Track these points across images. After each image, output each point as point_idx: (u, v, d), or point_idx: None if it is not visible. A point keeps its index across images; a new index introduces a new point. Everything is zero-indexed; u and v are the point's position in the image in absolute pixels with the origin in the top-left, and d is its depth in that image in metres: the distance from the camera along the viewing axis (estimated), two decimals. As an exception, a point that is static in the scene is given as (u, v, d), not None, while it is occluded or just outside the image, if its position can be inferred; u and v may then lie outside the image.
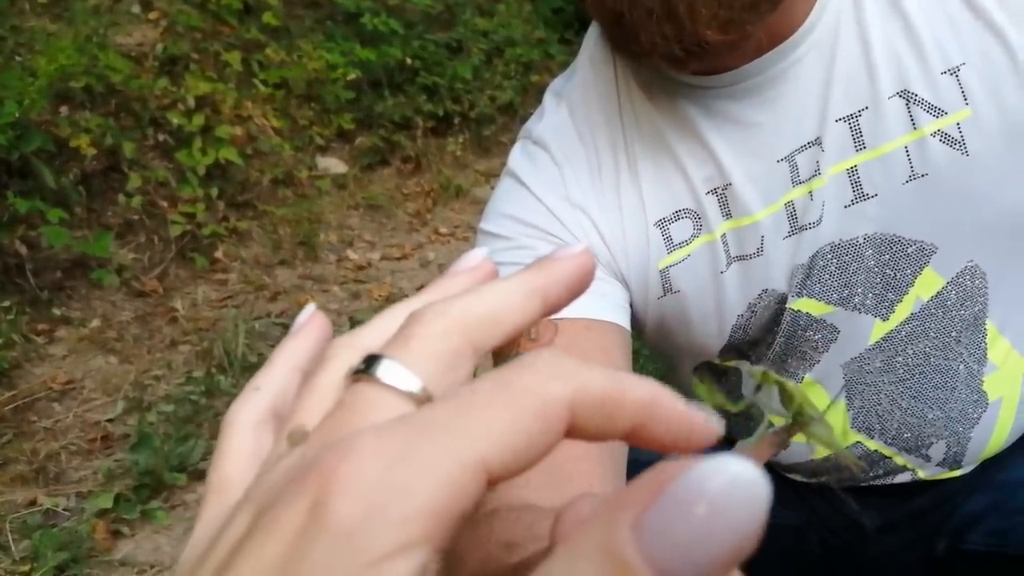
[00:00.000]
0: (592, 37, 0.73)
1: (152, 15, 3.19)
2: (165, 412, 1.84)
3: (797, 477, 0.82)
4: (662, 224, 0.69)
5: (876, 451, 0.75)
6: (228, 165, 2.85)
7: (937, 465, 0.75)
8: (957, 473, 0.75)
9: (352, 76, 3.41)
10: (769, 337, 0.72)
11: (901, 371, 0.71)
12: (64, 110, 2.54)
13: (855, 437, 0.75)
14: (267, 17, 3.39)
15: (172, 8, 3.17)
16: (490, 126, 3.84)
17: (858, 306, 0.69)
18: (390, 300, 2.51)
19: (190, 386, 1.97)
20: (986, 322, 0.71)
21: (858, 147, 0.65)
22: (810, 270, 0.67)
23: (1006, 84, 0.62)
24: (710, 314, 0.71)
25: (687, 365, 0.81)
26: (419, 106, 3.59)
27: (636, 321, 0.73)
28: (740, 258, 0.68)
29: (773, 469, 0.83)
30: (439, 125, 3.67)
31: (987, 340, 0.71)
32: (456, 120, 3.70)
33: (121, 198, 2.54)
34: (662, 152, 0.68)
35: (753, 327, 0.71)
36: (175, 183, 2.71)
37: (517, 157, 0.73)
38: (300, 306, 2.46)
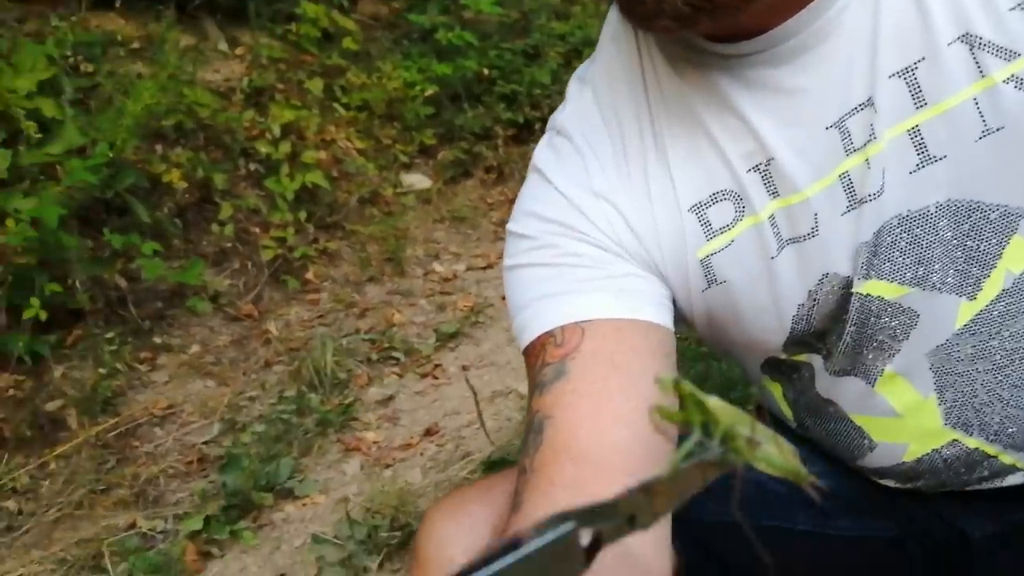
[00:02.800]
0: (614, 16, 0.68)
1: (238, 50, 3.33)
2: (257, 432, 1.88)
3: (890, 483, 0.73)
4: (698, 209, 0.62)
5: (977, 449, 0.66)
6: (315, 188, 2.92)
7: (1052, 461, 0.65)
8: (1076, 470, 0.65)
9: (430, 91, 3.44)
10: (838, 327, 0.64)
11: (997, 357, 0.62)
12: (159, 148, 2.66)
13: (951, 435, 0.66)
14: (347, 42, 3.48)
15: (256, 42, 3.29)
16: (572, 129, 3.80)
17: (937, 285, 0.60)
18: (474, 310, 2.49)
19: (282, 405, 2.01)
20: None
21: (918, 104, 0.57)
22: (876, 248, 0.60)
23: None
24: (765, 306, 0.64)
25: (752, 361, 0.74)
26: (498, 115, 3.58)
27: (683, 316, 0.67)
28: (793, 240, 0.61)
29: (863, 476, 0.75)
30: (520, 132, 3.66)
31: None
32: (536, 126, 3.67)
33: (215, 227, 2.63)
34: (693, 129, 0.62)
35: (817, 317, 0.64)
36: (265, 209, 2.79)
37: (541, 151, 0.69)
38: (387, 321, 2.49)
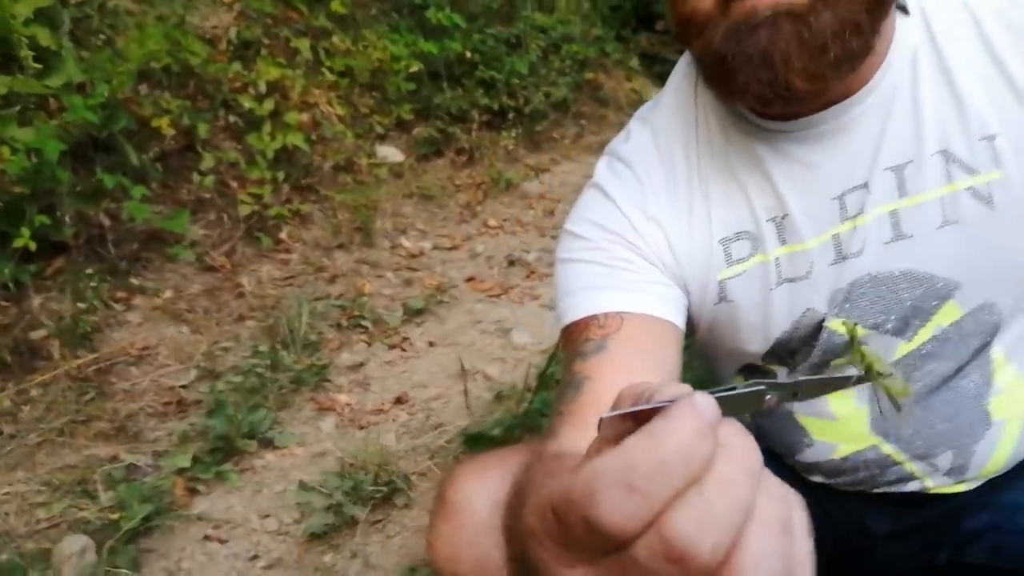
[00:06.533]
0: (679, 73, 0.84)
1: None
2: (234, 382, 1.97)
3: (818, 478, 0.90)
4: (725, 242, 0.79)
5: (889, 456, 0.84)
6: (294, 150, 2.97)
7: (944, 475, 0.83)
8: (961, 488, 0.84)
9: (414, 68, 3.51)
10: (807, 350, 0.82)
11: (918, 384, 0.81)
12: (144, 88, 2.68)
13: (873, 440, 0.84)
14: (335, 5, 3.50)
15: (246, -7, 3.29)
16: (543, 121, 3.93)
17: (889, 330, 0.78)
18: (440, 289, 2.62)
19: (256, 359, 2.10)
20: (994, 350, 0.79)
21: (901, 194, 0.74)
22: (848, 295, 0.77)
23: None
24: (757, 326, 0.80)
25: (729, 367, 0.91)
26: (476, 99, 3.69)
27: (691, 323, 0.83)
28: (790, 280, 0.78)
29: (796, 472, 0.92)
30: (494, 119, 3.77)
31: (993, 366, 0.80)
32: (510, 115, 3.79)
33: (195, 177, 2.68)
34: (731, 181, 0.78)
35: (794, 340, 0.81)
36: (245, 165, 2.84)
37: (603, 172, 0.84)
38: (357, 290, 2.59)
